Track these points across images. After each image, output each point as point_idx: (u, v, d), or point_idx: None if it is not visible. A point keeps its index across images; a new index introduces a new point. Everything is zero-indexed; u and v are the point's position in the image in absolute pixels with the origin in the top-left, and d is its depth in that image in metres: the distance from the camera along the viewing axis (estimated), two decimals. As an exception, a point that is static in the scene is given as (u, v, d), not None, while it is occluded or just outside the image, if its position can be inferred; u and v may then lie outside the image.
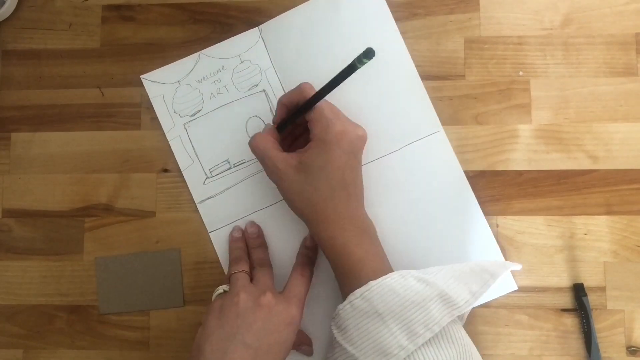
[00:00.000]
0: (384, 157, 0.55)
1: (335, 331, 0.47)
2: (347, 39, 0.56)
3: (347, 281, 0.48)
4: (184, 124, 0.57)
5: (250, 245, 0.54)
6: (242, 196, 0.56)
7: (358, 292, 0.46)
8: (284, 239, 0.55)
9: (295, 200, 0.50)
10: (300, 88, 0.50)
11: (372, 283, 0.45)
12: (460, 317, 0.49)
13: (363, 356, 0.44)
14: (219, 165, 0.56)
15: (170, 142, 0.57)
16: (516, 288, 0.53)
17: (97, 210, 0.57)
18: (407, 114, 0.55)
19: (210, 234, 0.56)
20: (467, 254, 0.54)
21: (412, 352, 0.43)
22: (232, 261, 0.53)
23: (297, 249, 0.55)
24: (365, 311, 0.45)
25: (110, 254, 0.57)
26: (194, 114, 0.57)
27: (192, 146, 0.57)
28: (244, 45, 0.57)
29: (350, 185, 0.49)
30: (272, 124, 0.53)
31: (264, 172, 0.56)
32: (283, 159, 0.49)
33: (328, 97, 0.48)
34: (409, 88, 0.56)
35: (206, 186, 0.56)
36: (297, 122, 0.52)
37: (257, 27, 0.57)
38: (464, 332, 0.47)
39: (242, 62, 0.57)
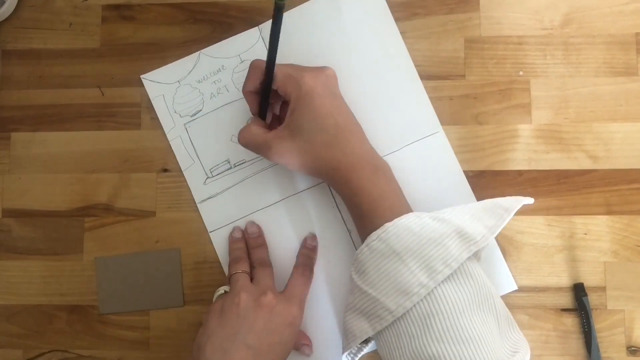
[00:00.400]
0: (383, 158, 0.55)
1: (354, 276, 0.47)
2: (347, 38, 0.56)
3: (364, 223, 0.48)
4: (185, 124, 0.57)
5: (250, 245, 0.54)
6: (242, 196, 0.56)
7: (374, 234, 0.46)
8: (284, 239, 0.55)
9: (304, 163, 0.49)
10: (252, 66, 0.50)
11: (387, 225, 0.45)
12: (476, 257, 0.49)
13: (384, 297, 0.44)
14: (220, 165, 0.56)
15: (170, 142, 0.57)
16: (516, 288, 0.53)
17: (97, 210, 0.57)
18: (407, 115, 0.55)
19: (210, 233, 0.56)
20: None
21: (432, 290, 0.43)
22: (232, 261, 0.53)
23: (297, 248, 0.55)
24: (383, 252, 0.45)
25: (110, 253, 0.57)
26: (195, 114, 0.57)
27: (193, 146, 0.57)
28: (244, 45, 0.57)
29: (347, 126, 0.49)
30: (251, 117, 0.53)
31: (265, 172, 0.56)
32: (273, 137, 0.49)
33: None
34: (408, 88, 0.56)
35: (206, 186, 0.56)
36: (273, 102, 0.52)
37: (257, 27, 0.57)
38: (481, 270, 0.46)
39: (242, 61, 0.57)
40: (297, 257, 0.54)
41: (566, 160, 0.55)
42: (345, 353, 0.49)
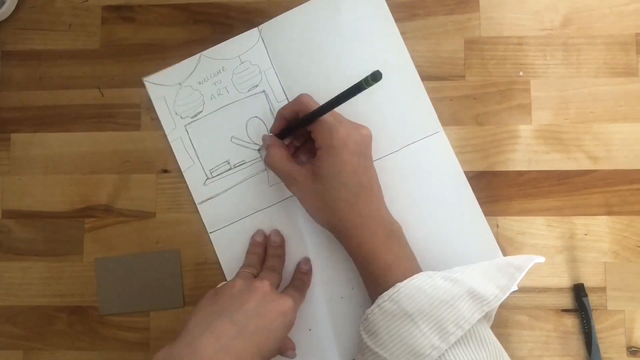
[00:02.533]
0: (384, 158, 0.55)
1: (364, 336, 0.47)
2: (347, 39, 0.56)
3: (375, 286, 0.48)
4: (185, 126, 0.57)
5: (269, 252, 0.54)
6: (242, 197, 0.56)
7: (386, 294, 0.46)
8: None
9: (319, 211, 0.50)
10: (300, 100, 0.51)
11: (399, 285, 0.45)
12: (487, 318, 0.49)
13: (395, 359, 0.44)
14: (220, 166, 0.56)
15: (171, 144, 0.57)
16: (516, 288, 0.53)
17: (97, 211, 0.57)
18: (407, 115, 0.55)
19: (210, 234, 0.56)
20: (467, 254, 0.54)
21: (443, 352, 0.43)
22: (244, 265, 0.53)
23: (297, 249, 0.55)
24: (394, 313, 0.45)
25: (110, 254, 0.57)
26: (195, 115, 0.57)
27: (193, 147, 0.57)
28: (244, 46, 0.57)
29: (368, 187, 0.49)
30: (270, 134, 0.53)
31: (264, 173, 0.56)
32: (299, 172, 0.50)
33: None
34: (409, 89, 0.56)
35: (206, 187, 0.56)
36: (297, 133, 0.52)
37: (256, 28, 0.57)
38: (492, 333, 0.46)
39: (242, 62, 0.57)
40: (292, 280, 0.54)
41: (566, 161, 0.55)
42: None
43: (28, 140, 0.58)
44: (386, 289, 0.46)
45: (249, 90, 0.57)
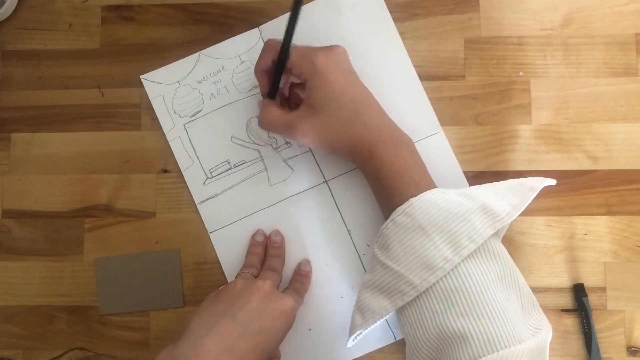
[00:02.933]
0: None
1: (378, 252, 0.47)
2: (347, 39, 0.56)
3: (388, 198, 0.48)
4: (184, 125, 0.57)
5: (268, 252, 0.54)
6: (242, 197, 0.56)
7: (400, 209, 0.46)
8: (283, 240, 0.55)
9: (327, 141, 0.49)
10: (267, 46, 0.51)
11: (413, 199, 0.45)
12: (498, 234, 0.49)
13: (408, 271, 0.44)
14: (219, 166, 0.56)
15: (170, 143, 0.57)
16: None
17: (97, 210, 0.57)
18: (407, 115, 0.55)
19: (210, 234, 0.56)
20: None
21: (456, 265, 0.43)
22: (245, 266, 0.53)
23: (297, 249, 0.55)
24: (408, 227, 0.45)
25: (110, 254, 0.57)
26: (194, 115, 0.57)
27: (192, 147, 0.57)
28: (244, 46, 0.57)
29: (364, 99, 0.50)
30: (261, 101, 0.53)
31: (264, 173, 0.56)
32: (296, 116, 0.50)
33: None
34: (408, 89, 0.56)
35: (206, 187, 0.56)
36: (282, 84, 0.52)
37: (257, 28, 0.57)
38: (504, 248, 0.46)
39: (242, 62, 0.57)
40: (290, 282, 0.54)
41: (566, 161, 0.55)
42: (355, 334, 0.47)
43: (28, 140, 0.58)
44: (400, 202, 0.46)
45: (249, 90, 0.57)
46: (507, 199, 0.46)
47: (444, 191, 0.46)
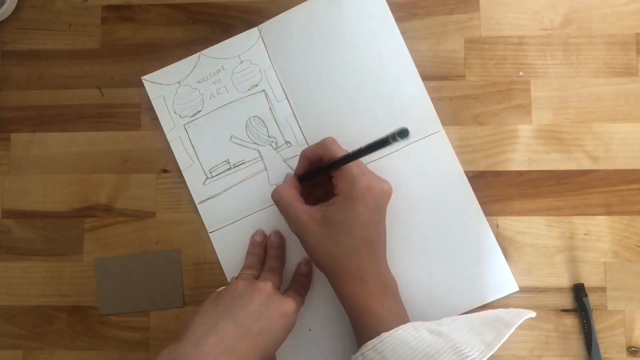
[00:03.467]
0: (384, 158, 0.55)
1: None
2: (347, 39, 0.56)
3: (362, 330, 0.47)
4: (184, 125, 0.57)
5: (268, 253, 0.54)
6: (242, 197, 0.56)
7: (370, 343, 0.45)
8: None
9: (318, 254, 0.49)
10: (324, 144, 0.50)
11: (384, 335, 0.45)
12: None
13: None
14: (219, 166, 0.56)
15: (170, 143, 0.57)
16: (517, 289, 0.53)
17: (97, 210, 0.57)
18: (408, 114, 0.55)
19: (210, 234, 0.56)
20: (467, 254, 0.54)
21: None
22: (245, 266, 0.53)
23: (296, 250, 0.55)
24: None
25: (110, 254, 0.57)
26: (194, 115, 0.57)
27: (192, 146, 0.57)
28: (243, 46, 0.57)
29: (374, 241, 0.49)
30: (292, 174, 0.53)
31: (264, 173, 0.56)
32: (306, 212, 0.49)
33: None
34: (409, 88, 0.56)
35: (206, 187, 0.56)
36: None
37: (256, 27, 0.57)
38: None
39: (241, 62, 0.57)
40: (291, 283, 0.54)
41: (566, 161, 0.55)
42: None
43: (28, 140, 0.58)
44: (372, 337, 0.45)
45: (248, 90, 0.57)
46: (482, 335, 0.45)
47: (416, 327, 0.45)
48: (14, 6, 0.59)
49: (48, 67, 0.59)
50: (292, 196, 0.50)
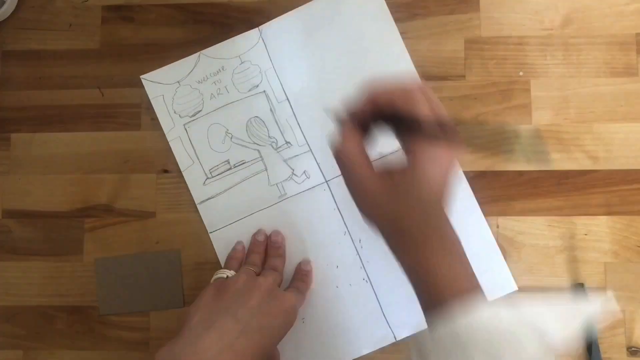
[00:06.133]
0: (384, 158, 0.55)
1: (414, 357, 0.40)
2: (348, 39, 0.56)
3: (429, 299, 0.41)
4: (184, 125, 0.57)
5: (269, 253, 0.54)
6: (242, 197, 0.56)
7: (441, 322, 0.38)
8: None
9: (382, 220, 0.42)
10: (411, 91, 0.41)
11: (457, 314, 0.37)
12: None
13: None
14: (219, 166, 0.56)
15: (170, 143, 0.57)
16: (516, 289, 0.53)
17: (97, 211, 0.57)
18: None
19: (210, 234, 0.56)
20: (467, 254, 0.53)
21: None
22: (246, 263, 0.53)
23: (296, 250, 0.55)
24: (449, 349, 0.37)
25: (110, 254, 0.57)
26: (194, 115, 0.57)
27: (192, 147, 0.57)
28: (244, 46, 0.57)
29: (443, 209, 0.42)
30: (344, 114, 0.43)
31: (264, 173, 0.56)
32: (372, 177, 0.41)
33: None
34: (409, 88, 0.56)
35: (206, 187, 0.56)
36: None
37: (257, 28, 0.57)
38: None
39: (242, 62, 0.57)
40: (292, 281, 0.54)
41: (566, 161, 0.55)
42: None
43: (28, 140, 0.58)
44: (439, 304, 0.39)
45: (249, 90, 0.57)
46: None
47: (494, 307, 0.38)
48: (14, 6, 0.59)
49: (48, 67, 0.59)
50: (358, 155, 0.42)
